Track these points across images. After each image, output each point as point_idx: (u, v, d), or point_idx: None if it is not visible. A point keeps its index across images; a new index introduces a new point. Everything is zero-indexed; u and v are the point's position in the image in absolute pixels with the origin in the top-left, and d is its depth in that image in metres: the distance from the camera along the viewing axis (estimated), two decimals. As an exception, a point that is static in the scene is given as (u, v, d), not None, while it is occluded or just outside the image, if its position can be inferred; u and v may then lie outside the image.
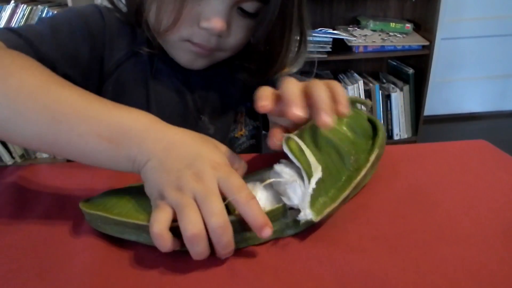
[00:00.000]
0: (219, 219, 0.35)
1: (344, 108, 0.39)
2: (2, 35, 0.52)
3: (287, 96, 0.39)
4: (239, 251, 0.38)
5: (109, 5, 0.65)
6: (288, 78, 0.42)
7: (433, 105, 2.76)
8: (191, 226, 0.34)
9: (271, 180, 0.41)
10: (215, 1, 0.54)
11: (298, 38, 0.65)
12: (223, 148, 0.44)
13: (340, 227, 0.42)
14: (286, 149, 0.40)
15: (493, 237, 0.40)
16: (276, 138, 0.42)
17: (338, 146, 0.45)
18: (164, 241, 0.34)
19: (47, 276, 0.36)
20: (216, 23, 0.54)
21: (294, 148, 0.40)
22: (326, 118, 0.37)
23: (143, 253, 0.38)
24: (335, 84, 0.42)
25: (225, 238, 0.35)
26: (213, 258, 0.37)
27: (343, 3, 2.41)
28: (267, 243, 0.40)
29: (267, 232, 0.36)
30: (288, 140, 0.41)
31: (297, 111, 0.38)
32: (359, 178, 0.43)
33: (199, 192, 0.36)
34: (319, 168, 0.40)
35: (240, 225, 0.37)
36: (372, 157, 0.46)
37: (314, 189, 0.39)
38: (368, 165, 0.45)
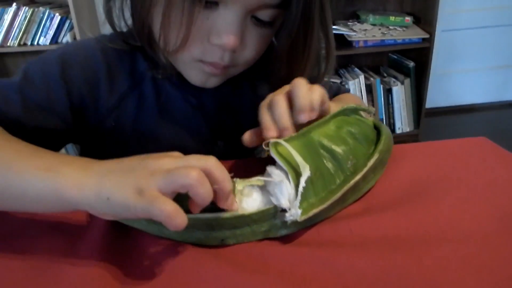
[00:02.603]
0: (210, 161, 0.37)
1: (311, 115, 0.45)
2: None
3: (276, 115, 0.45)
4: (240, 247, 0.40)
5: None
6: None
7: (435, 98, 2.77)
8: (192, 170, 0.35)
9: (258, 178, 0.44)
10: (226, 13, 0.49)
11: (324, 45, 0.60)
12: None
13: (343, 228, 0.43)
14: (273, 154, 0.42)
15: (493, 235, 0.41)
16: (247, 137, 0.48)
17: (334, 151, 0.46)
18: (180, 215, 0.34)
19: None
20: (228, 39, 0.49)
21: (282, 151, 0.43)
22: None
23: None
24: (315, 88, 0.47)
25: (219, 173, 0.37)
26: (214, 258, 0.38)
27: (342, -3, 2.42)
28: (264, 240, 0.42)
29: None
30: (275, 144, 0.43)
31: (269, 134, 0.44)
32: (352, 182, 0.44)
33: (174, 161, 0.37)
34: (307, 167, 0.41)
35: (231, 222, 0.40)
36: (371, 162, 0.47)
37: (304, 188, 0.40)
38: (365, 169, 0.46)
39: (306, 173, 0.41)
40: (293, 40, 0.54)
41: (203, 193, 0.35)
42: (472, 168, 0.54)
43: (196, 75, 0.56)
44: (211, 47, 0.51)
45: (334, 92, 0.75)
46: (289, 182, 0.41)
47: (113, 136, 0.61)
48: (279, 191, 0.41)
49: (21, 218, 0.46)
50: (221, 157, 0.59)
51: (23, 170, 0.38)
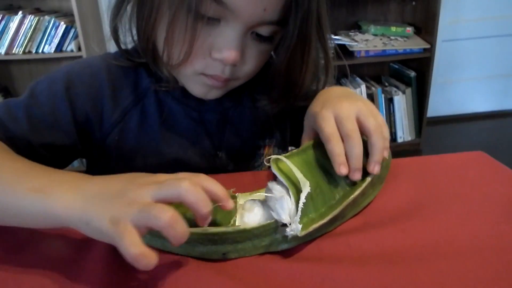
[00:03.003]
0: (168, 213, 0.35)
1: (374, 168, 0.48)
2: None
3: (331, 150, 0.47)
4: (240, 262, 0.42)
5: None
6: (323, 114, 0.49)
7: (436, 106, 2.78)
8: (163, 213, 0.35)
9: (259, 193, 0.45)
10: (227, 30, 0.51)
11: (323, 60, 0.62)
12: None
13: (343, 243, 0.44)
14: (274, 170, 0.44)
15: (488, 251, 0.42)
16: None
17: (332, 168, 0.47)
18: (148, 258, 0.34)
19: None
20: (229, 54, 0.51)
21: (283, 168, 0.44)
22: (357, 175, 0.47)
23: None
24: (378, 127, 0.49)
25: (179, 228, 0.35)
26: (216, 272, 0.40)
27: (344, 8, 2.44)
28: (265, 255, 0.43)
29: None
30: (277, 161, 0.45)
31: (343, 171, 0.46)
32: (351, 197, 0.45)
33: (152, 193, 0.37)
34: (307, 183, 0.43)
35: (233, 236, 0.41)
36: (370, 178, 0.48)
37: (304, 204, 0.42)
38: (364, 184, 0.47)
39: (306, 189, 0.42)
40: (291, 54, 0.56)
41: (173, 236, 0.35)
42: (469, 183, 0.55)
43: (198, 88, 0.58)
44: (212, 61, 0.53)
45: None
46: (290, 197, 0.43)
47: (117, 150, 0.62)
48: (280, 206, 0.42)
49: (25, 231, 0.47)
50: (222, 168, 0.62)
51: (17, 191, 0.40)
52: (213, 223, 0.43)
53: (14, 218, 0.42)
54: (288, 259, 0.42)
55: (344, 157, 0.47)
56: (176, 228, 0.35)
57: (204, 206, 0.37)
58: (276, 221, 0.42)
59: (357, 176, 0.47)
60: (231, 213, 0.45)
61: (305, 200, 0.42)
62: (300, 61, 0.58)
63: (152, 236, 0.43)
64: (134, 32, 0.59)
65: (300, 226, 0.41)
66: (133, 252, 0.33)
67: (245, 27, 0.51)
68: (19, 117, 0.55)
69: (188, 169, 0.59)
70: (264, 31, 0.54)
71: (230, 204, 0.41)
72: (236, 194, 0.49)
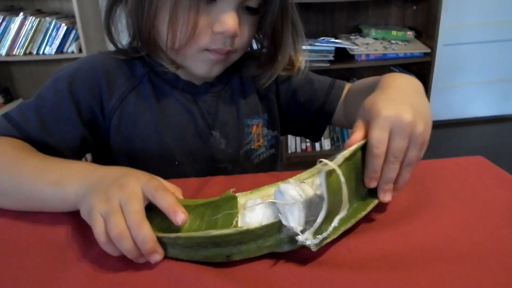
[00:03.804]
0: (135, 217, 0.40)
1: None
2: None
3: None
4: (241, 267, 0.41)
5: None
6: (378, 121, 0.45)
7: (437, 111, 2.79)
8: (115, 227, 0.39)
9: (260, 192, 0.45)
10: (224, 6, 0.58)
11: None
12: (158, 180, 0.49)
13: (343, 246, 0.44)
14: (323, 182, 0.41)
15: (488, 255, 0.42)
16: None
17: (359, 178, 0.46)
18: (112, 248, 0.40)
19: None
20: (230, 26, 0.58)
21: (333, 182, 0.41)
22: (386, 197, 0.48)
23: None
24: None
25: (140, 235, 0.39)
26: (217, 276, 0.40)
27: (345, 11, 2.45)
28: (269, 259, 0.42)
29: (180, 217, 0.40)
30: (330, 173, 0.41)
31: (372, 185, 0.47)
32: (363, 214, 0.45)
33: (122, 197, 0.41)
34: (346, 207, 0.42)
35: (236, 238, 0.40)
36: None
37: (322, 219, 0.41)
38: (376, 201, 0.47)
39: (343, 213, 0.42)
40: (275, 19, 0.64)
41: (123, 249, 0.40)
42: (469, 188, 0.55)
43: (202, 66, 0.65)
44: (214, 36, 0.60)
45: (329, 83, 0.80)
46: (303, 205, 0.41)
47: (117, 135, 0.67)
48: (290, 212, 0.41)
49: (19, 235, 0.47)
50: (215, 146, 0.70)
51: (38, 185, 0.49)
52: (215, 226, 0.43)
53: (38, 205, 0.50)
54: (288, 262, 0.42)
55: (378, 174, 0.47)
56: (114, 247, 0.40)
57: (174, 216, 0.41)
58: (279, 220, 0.41)
59: (381, 196, 0.48)
60: (233, 214, 0.45)
61: (337, 225, 0.42)
62: (281, 27, 0.66)
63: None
64: (131, 30, 0.65)
65: (316, 241, 0.40)
66: (101, 240, 0.40)
67: (238, 2, 0.59)
68: (31, 118, 0.61)
69: (185, 149, 0.68)
70: (254, 3, 0.62)
71: (179, 218, 0.41)
72: (237, 194, 0.49)
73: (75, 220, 0.48)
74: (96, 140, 0.68)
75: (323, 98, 0.78)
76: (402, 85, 0.54)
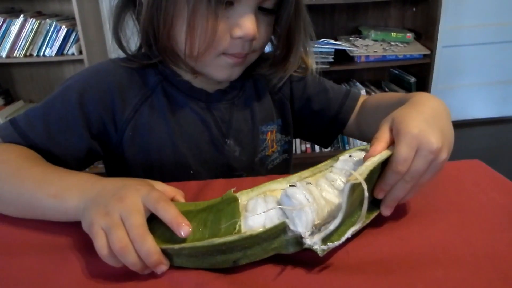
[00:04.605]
0: (138, 230, 0.40)
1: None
2: (3, 129, 0.61)
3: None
4: (242, 271, 0.42)
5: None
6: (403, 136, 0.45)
7: (436, 112, 2.78)
8: (117, 241, 0.39)
9: (279, 207, 0.43)
10: (241, 9, 0.57)
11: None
12: (159, 184, 0.50)
13: (341, 250, 0.45)
14: (347, 194, 0.41)
15: (483, 259, 0.43)
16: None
17: (370, 187, 0.46)
18: (114, 261, 0.40)
19: None
20: (249, 30, 0.57)
21: (355, 198, 0.42)
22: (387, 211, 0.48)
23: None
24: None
25: (144, 247, 0.39)
26: (216, 279, 0.40)
27: (344, 13, 2.45)
28: (269, 263, 0.43)
29: (184, 230, 0.41)
30: (355, 186, 0.41)
31: (380, 196, 0.48)
32: (367, 222, 0.46)
33: (123, 210, 0.41)
34: (363, 220, 0.42)
35: (241, 244, 0.40)
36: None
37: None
38: (376, 213, 0.48)
39: (359, 224, 0.42)
40: (290, 19, 0.63)
41: (128, 263, 0.40)
42: (466, 192, 0.56)
43: (221, 71, 0.64)
44: (233, 41, 0.59)
45: (344, 93, 0.80)
46: (311, 209, 0.41)
47: (133, 146, 0.67)
48: (298, 217, 0.41)
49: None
50: (229, 154, 0.70)
51: (38, 196, 0.49)
52: (218, 232, 0.43)
53: (39, 215, 0.50)
54: (286, 265, 0.43)
55: (390, 188, 0.47)
56: (119, 261, 0.40)
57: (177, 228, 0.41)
58: (283, 222, 0.41)
59: (383, 210, 0.48)
60: (235, 216, 0.44)
61: (350, 236, 0.42)
62: (294, 25, 0.65)
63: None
64: (143, 37, 0.64)
65: (325, 248, 0.41)
66: (103, 254, 0.40)
67: (255, 3, 0.58)
68: (37, 126, 0.61)
69: (200, 158, 0.68)
70: (269, 4, 0.60)
71: (183, 230, 0.41)
72: (237, 194, 0.48)
73: (76, 223, 0.48)
74: (106, 151, 0.67)
75: (337, 108, 0.78)
76: (435, 107, 0.52)
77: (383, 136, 0.47)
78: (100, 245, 0.40)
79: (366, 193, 0.41)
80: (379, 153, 0.45)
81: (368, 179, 0.43)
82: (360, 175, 0.42)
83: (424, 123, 0.46)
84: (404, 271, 0.42)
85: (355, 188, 0.42)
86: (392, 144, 0.47)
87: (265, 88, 0.75)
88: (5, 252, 0.46)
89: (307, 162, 1.72)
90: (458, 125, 2.93)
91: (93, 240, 0.41)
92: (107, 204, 0.43)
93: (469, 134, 2.85)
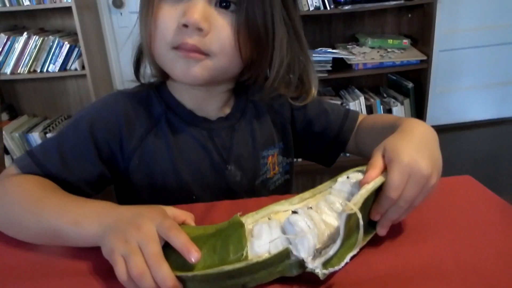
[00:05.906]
0: (155, 258, 0.43)
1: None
2: (21, 160, 0.65)
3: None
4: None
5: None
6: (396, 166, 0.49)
7: (435, 115, 2.81)
8: (136, 267, 0.43)
9: (281, 236, 0.47)
10: (192, 1, 0.58)
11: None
12: (170, 209, 0.54)
13: (341, 269, 0.47)
14: (343, 224, 0.45)
15: (472, 274, 0.46)
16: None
17: (366, 211, 0.50)
18: (133, 286, 0.43)
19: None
20: (193, 13, 0.56)
21: (352, 224, 0.46)
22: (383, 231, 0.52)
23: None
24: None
25: (160, 274, 0.42)
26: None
27: (341, 21, 2.49)
28: (275, 283, 0.46)
29: (194, 256, 0.44)
30: (350, 216, 0.45)
31: (376, 218, 0.51)
32: (364, 244, 0.50)
33: (140, 238, 0.45)
34: (359, 246, 0.46)
35: (248, 270, 0.44)
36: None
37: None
38: (372, 234, 0.52)
39: (355, 251, 0.46)
40: (256, 31, 0.61)
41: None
42: (457, 208, 0.59)
43: (177, 66, 0.62)
44: (179, 30, 0.59)
45: (343, 114, 0.82)
46: (312, 237, 0.44)
47: (139, 173, 0.70)
48: (301, 243, 0.44)
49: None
50: (231, 179, 0.72)
51: (57, 224, 0.53)
52: (227, 256, 0.46)
53: (61, 242, 0.54)
54: (292, 285, 0.46)
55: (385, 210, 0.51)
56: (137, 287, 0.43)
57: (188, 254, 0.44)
58: (287, 248, 0.45)
59: (379, 230, 0.52)
60: (242, 243, 0.47)
61: (348, 261, 0.46)
62: (265, 38, 0.62)
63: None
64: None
65: (326, 272, 0.44)
66: (122, 279, 0.44)
67: None
68: (52, 156, 0.65)
69: (202, 183, 0.71)
70: None
71: (193, 257, 0.44)
72: (243, 218, 0.51)
73: (94, 248, 0.51)
74: (114, 176, 0.71)
75: (337, 129, 0.80)
76: (424, 133, 0.56)
77: (377, 163, 0.51)
78: (120, 271, 0.43)
79: (361, 222, 0.45)
80: (373, 180, 0.49)
81: (363, 206, 0.46)
82: (355, 204, 0.46)
83: (414, 151, 0.50)
84: (399, 286, 0.45)
85: (351, 216, 0.45)
86: (385, 170, 0.50)
87: (266, 112, 0.77)
88: (30, 277, 0.49)
89: (304, 170, 1.74)
90: (457, 128, 2.96)
91: (113, 266, 0.44)
92: (125, 232, 0.46)
93: (468, 136, 2.88)
